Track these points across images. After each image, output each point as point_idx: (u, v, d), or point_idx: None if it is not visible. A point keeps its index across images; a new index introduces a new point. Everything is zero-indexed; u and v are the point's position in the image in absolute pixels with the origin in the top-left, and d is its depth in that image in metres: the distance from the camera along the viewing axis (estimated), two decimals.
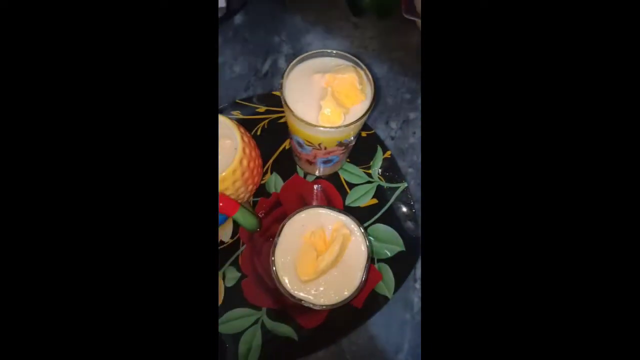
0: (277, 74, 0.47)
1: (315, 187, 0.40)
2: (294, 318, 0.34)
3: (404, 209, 0.38)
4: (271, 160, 0.41)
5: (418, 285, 0.36)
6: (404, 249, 0.37)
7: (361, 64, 0.32)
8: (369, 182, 0.40)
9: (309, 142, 0.32)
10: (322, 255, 0.29)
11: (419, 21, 0.47)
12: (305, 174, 0.40)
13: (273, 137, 0.42)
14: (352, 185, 0.40)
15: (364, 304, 0.34)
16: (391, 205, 0.39)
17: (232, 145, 0.33)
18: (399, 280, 0.35)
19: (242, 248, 0.37)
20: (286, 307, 0.34)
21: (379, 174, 0.40)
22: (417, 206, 0.39)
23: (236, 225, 0.37)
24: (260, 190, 0.39)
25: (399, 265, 0.36)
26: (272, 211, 0.38)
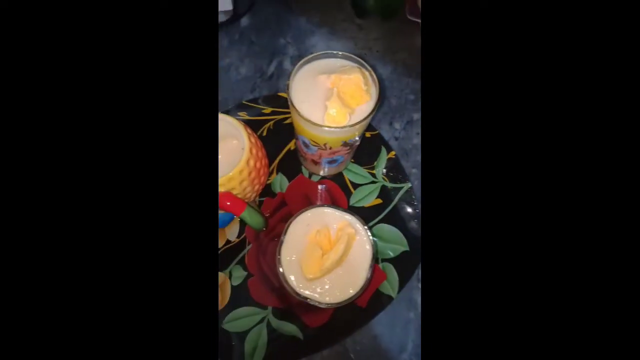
0: (282, 76, 0.48)
1: (320, 187, 0.40)
2: (299, 317, 0.34)
3: (408, 209, 0.39)
4: (277, 161, 0.41)
5: (421, 285, 0.36)
6: (408, 248, 0.37)
7: (366, 65, 0.32)
8: (373, 182, 0.40)
9: (315, 142, 0.33)
10: (327, 254, 0.29)
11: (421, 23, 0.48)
12: (310, 174, 0.41)
13: (278, 137, 0.42)
14: (356, 186, 0.40)
15: (368, 304, 0.34)
16: (395, 206, 0.39)
17: (239, 146, 0.34)
18: (403, 280, 0.36)
19: (248, 247, 0.37)
20: (292, 306, 0.34)
21: (383, 174, 0.41)
22: (421, 206, 0.39)
23: (242, 224, 0.38)
24: (266, 190, 0.39)
25: (403, 265, 0.36)
26: (277, 211, 0.39)
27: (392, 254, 0.37)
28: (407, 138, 0.44)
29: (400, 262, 0.36)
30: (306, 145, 0.34)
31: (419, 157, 0.43)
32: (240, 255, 0.37)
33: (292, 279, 0.30)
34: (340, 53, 0.33)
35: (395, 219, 0.38)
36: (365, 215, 0.38)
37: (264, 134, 0.42)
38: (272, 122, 0.43)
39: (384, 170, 0.41)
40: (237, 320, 0.34)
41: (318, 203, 0.39)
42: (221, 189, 0.32)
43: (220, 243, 0.37)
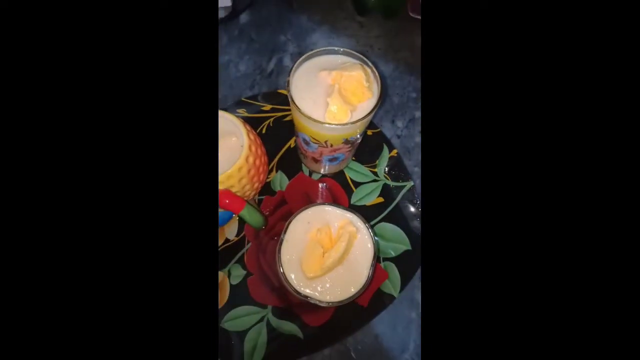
0: (282, 73, 0.47)
1: (320, 185, 0.40)
2: (300, 316, 0.34)
3: (411, 208, 0.38)
4: (276, 159, 0.41)
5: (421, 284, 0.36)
6: (410, 247, 0.36)
7: (368, 61, 0.32)
8: (374, 180, 0.40)
9: (315, 139, 0.32)
10: (328, 253, 0.29)
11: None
12: (311, 172, 0.40)
13: (278, 135, 0.42)
14: (357, 184, 0.40)
15: (369, 303, 0.34)
16: (397, 204, 0.38)
17: (238, 143, 0.33)
18: (405, 279, 0.35)
19: (247, 246, 0.37)
20: (292, 305, 0.34)
21: (385, 172, 0.40)
22: (422, 205, 0.39)
23: (242, 222, 0.37)
24: (266, 189, 0.39)
25: (405, 264, 0.36)
26: (277, 209, 0.38)
27: (393, 253, 0.36)
28: (409, 136, 0.43)
29: (402, 261, 0.36)
30: (307, 143, 0.34)
31: (421, 156, 0.42)
32: (240, 253, 0.36)
33: (292, 277, 0.29)
34: (341, 49, 0.33)
35: (397, 217, 0.38)
36: (367, 214, 0.37)
37: (264, 131, 0.42)
38: (271, 120, 0.43)
39: (386, 168, 0.40)
40: (236, 319, 0.34)
41: (319, 201, 0.39)
42: (220, 187, 0.32)
43: (219, 241, 0.37)
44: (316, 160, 0.37)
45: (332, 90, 0.30)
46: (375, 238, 0.31)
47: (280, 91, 0.45)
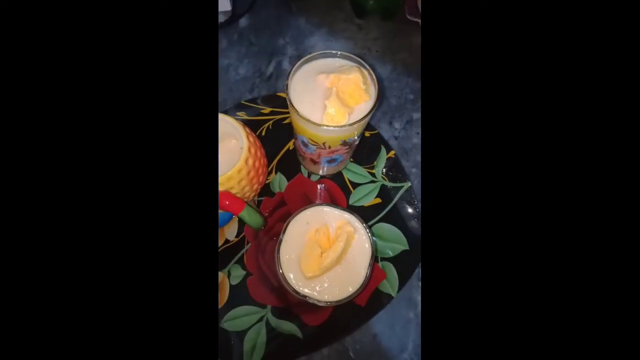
0: (281, 76, 0.48)
1: (319, 186, 0.40)
2: (299, 316, 0.34)
3: (408, 209, 0.39)
4: (275, 160, 0.41)
5: (421, 284, 0.36)
6: (407, 248, 0.37)
7: (365, 64, 0.32)
8: (372, 181, 0.40)
9: (314, 141, 0.33)
10: (326, 252, 0.29)
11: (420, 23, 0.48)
12: (309, 174, 0.41)
13: (277, 137, 0.42)
14: (355, 185, 0.40)
15: (367, 303, 0.34)
16: (395, 205, 0.39)
17: (237, 145, 0.34)
18: (403, 279, 0.36)
19: (247, 246, 0.37)
20: (291, 305, 0.34)
21: (382, 173, 0.41)
22: (421, 205, 0.39)
23: (241, 223, 0.38)
24: (265, 190, 0.40)
25: (403, 264, 0.36)
26: (276, 210, 0.39)
27: (391, 253, 0.37)
28: (406, 137, 0.44)
29: (400, 261, 0.36)
30: (305, 145, 0.35)
31: (418, 157, 0.43)
32: (239, 254, 0.37)
33: (291, 277, 0.30)
34: (339, 53, 0.33)
35: (395, 218, 0.38)
36: (365, 214, 0.38)
37: (263, 133, 0.43)
38: (271, 122, 0.43)
39: (384, 169, 0.41)
40: (236, 319, 0.34)
41: (317, 202, 0.39)
42: (220, 188, 0.32)
43: (219, 242, 0.37)
44: (315, 162, 0.38)
45: (330, 93, 0.30)
46: (373, 238, 0.32)
47: (279, 94, 0.45)
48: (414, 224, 0.38)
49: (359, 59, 0.32)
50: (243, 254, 0.37)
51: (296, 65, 0.32)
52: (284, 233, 0.31)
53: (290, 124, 0.36)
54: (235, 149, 0.33)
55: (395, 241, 0.37)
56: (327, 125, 0.30)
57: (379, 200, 0.39)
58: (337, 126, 0.30)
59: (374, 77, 0.32)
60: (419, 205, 0.39)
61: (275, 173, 0.41)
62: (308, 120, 0.30)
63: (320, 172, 0.40)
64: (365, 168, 0.41)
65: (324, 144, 0.33)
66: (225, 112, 0.42)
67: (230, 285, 0.35)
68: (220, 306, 0.35)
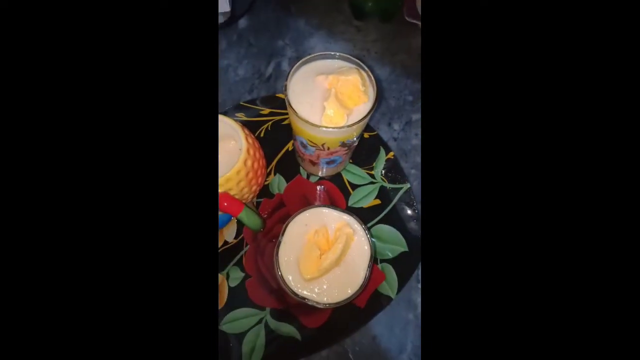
0: (280, 77, 0.48)
1: (318, 187, 0.40)
2: (298, 318, 0.34)
3: (407, 210, 0.39)
4: (274, 162, 0.41)
5: (421, 286, 0.36)
6: (407, 249, 0.37)
7: (364, 65, 0.32)
8: (371, 182, 0.40)
9: (313, 142, 0.33)
10: (325, 254, 0.29)
11: (420, 24, 0.48)
12: (309, 175, 0.41)
13: (276, 138, 0.42)
14: (355, 186, 0.40)
15: (367, 304, 0.34)
16: (394, 206, 0.39)
17: (236, 146, 0.34)
18: (402, 281, 0.35)
19: (245, 248, 0.37)
20: (290, 307, 0.34)
21: (381, 174, 0.41)
22: (420, 207, 0.39)
23: (240, 225, 0.38)
24: (264, 191, 0.39)
25: (402, 265, 0.36)
26: (275, 212, 0.39)
27: (390, 255, 0.37)
28: (405, 139, 0.44)
29: (399, 263, 0.36)
30: (304, 146, 0.34)
31: (418, 158, 0.43)
32: (238, 256, 0.37)
33: (290, 279, 0.30)
34: (337, 54, 0.33)
35: (394, 219, 0.38)
36: (364, 215, 0.37)
37: (262, 134, 0.42)
38: (270, 123, 0.43)
39: (383, 170, 0.41)
40: (234, 322, 0.34)
41: (316, 204, 0.39)
42: (219, 190, 0.32)
43: (218, 244, 0.37)
44: (314, 163, 0.38)
45: (328, 94, 0.30)
46: (372, 240, 0.31)
47: (278, 95, 0.45)
48: (413, 226, 0.38)
49: (357, 60, 0.32)
50: (242, 256, 0.37)
51: (295, 67, 0.32)
52: (282, 235, 0.31)
53: (289, 125, 0.36)
54: (234, 150, 0.33)
55: (395, 243, 0.37)
56: (326, 127, 0.30)
57: (378, 201, 0.39)
58: (336, 127, 0.30)
59: (373, 78, 0.32)
60: (418, 206, 0.39)
61: (274, 174, 0.41)
62: (307, 122, 0.30)
63: (320, 174, 0.40)
64: (365, 169, 0.41)
65: (323, 145, 0.33)
66: (224, 113, 0.42)
67: (229, 287, 0.35)
68: (219, 308, 0.34)
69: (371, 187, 0.40)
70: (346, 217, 0.32)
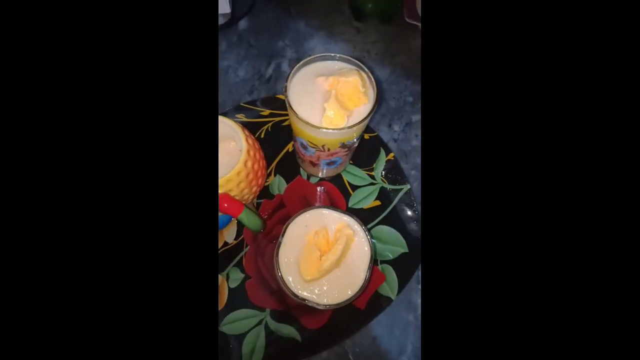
0: (280, 78, 0.48)
1: (318, 189, 0.40)
2: (298, 319, 0.34)
3: (407, 211, 0.39)
4: (274, 163, 0.41)
5: (421, 287, 0.36)
6: (407, 250, 0.37)
7: (364, 67, 0.32)
8: (372, 184, 0.40)
9: (313, 143, 0.33)
10: (325, 255, 0.29)
11: (421, 25, 0.48)
12: (309, 176, 0.41)
13: (276, 139, 0.42)
14: (355, 187, 0.40)
15: (367, 305, 0.34)
16: (394, 207, 0.39)
17: (236, 147, 0.34)
18: (403, 282, 0.35)
19: (246, 249, 0.37)
20: (290, 308, 0.34)
21: (382, 175, 0.41)
22: (420, 208, 0.39)
23: (240, 226, 0.38)
24: (264, 192, 0.39)
25: (403, 266, 0.36)
26: (275, 213, 0.39)
27: (391, 256, 0.37)
28: (406, 140, 0.44)
29: (400, 264, 0.36)
30: (304, 147, 0.35)
31: (418, 159, 0.43)
32: (238, 257, 0.37)
33: (290, 280, 0.30)
34: (337, 55, 0.33)
35: (394, 220, 0.38)
36: (364, 217, 0.37)
37: (262, 135, 0.43)
38: (270, 124, 0.43)
39: (383, 172, 0.41)
40: (234, 323, 0.34)
41: (316, 205, 0.39)
42: (219, 191, 0.32)
43: (218, 245, 0.37)
44: (314, 164, 0.38)
45: (329, 96, 0.31)
46: (372, 241, 0.32)
47: (278, 96, 0.45)
48: (414, 227, 0.38)
49: (357, 61, 0.33)
50: (242, 257, 0.37)
51: (295, 68, 0.32)
52: (283, 236, 0.31)
53: (289, 126, 0.36)
54: (234, 151, 0.33)
55: (395, 244, 0.37)
56: (326, 128, 0.30)
57: (378, 202, 0.39)
58: (336, 129, 0.30)
59: (373, 79, 0.32)
60: (419, 207, 0.39)
61: (275, 175, 0.41)
62: (307, 123, 0.30)
63: (320, 175, 0.40)
64: (365, 170, 0.41)
65: (323, 146, 0.33)
66: (225, 114, 0.43)
67: (229, 288, 0.35)
68: (219, 309, 0.34)
69: (371, 188, 0.40)
70: (346, 218, 0.32)
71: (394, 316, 0.35)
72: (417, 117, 0.45)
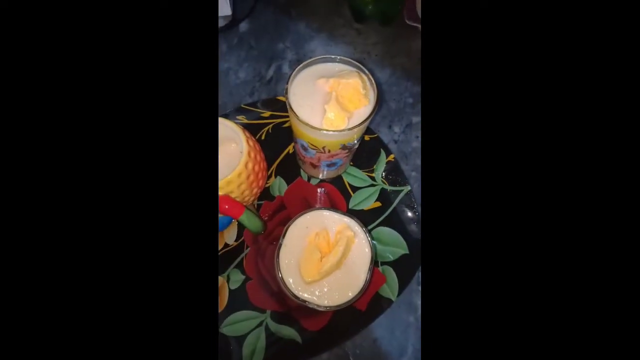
0: (281, 80, 0.48)
1: (319, 190, 0.40)
2: (298, 320, 0.34)
3: (408, 212, 0.39)
4: (275, 164, 0.41)
5: (422, 288, 0.36)
6: (407, 251, 0.37)
7: (364, 69, 0.32)
8: (372, 185, 0.40)
9: (313, 145, 0.33)
10: (326, 257, 0.29)
11: (421, 27, 0.48)
12: (309, 178, 0.41)
13: (277, 141, 0.42)
14: (355, 189, 0.40)
15: (367, 307, 0.34)
16: (395, 208, 0.39)
17: (237, 149, 0.34)
18: (403, 283, 0.35)
19: (246, 251, 0.37)
20: (290, 309, 0.34)
21: (382, 177, 0.41)
22: (421, 209, 0.39)
23: (241, 227, 0.38)
24: (265, 194, 0.40)
25: (403, 268, 0.36)
26: (276, 214, 0.39)
27: (391, 257, 0.37)
28: (406, 141, 0.44)
29: (400, 265, 0.36)
30: (305, 149, 0.35)
31: (418, 160, 0.43)
32: (239, 258, 0.37)
33: (290, 282, 0.30)
34: (338, 57, 0.33)
35: (395, 222, 0.38)
36: (365, 218, 0.38)
37: (263, 137, 0.43)
38: (270, 126, 0.43)
39: (383, 173, 0.41)
40: (235, 324, 0.34)
41: (317, 206, 0.39)
42: (219, 192, 0.32)
43: (219, 246, 0.37)
44: (314, 166, 0.38)
45: (329, 98, 0.31)
46: (373, 242, 0.32)
47: (279, 98, 0.45)
48: (414, 228, 0.38)
49: (358, 64, 0.33)
50: (242, 258, 0.37)
51: (296, 70, 0.32)
52: (283, 237, 0.31)
53: (290, 128, 0.36)
54: (235, 153, 0.33)
55: (395, 245, 0.37)
56: (327, 130, 0.30)
57: (378, 204, 0.39)
58: (337, 130, 0.30)
59: (374, 81, 0.32)
60: (419, 209, 0.39)
61: (275, 177, 0.41)
62: (307, 125, 0.30)
63: (320, 176, 0.40)
64: (365, 172, 0.41)
65: (323, 148, 0.33)
66: (225, 116, 0.43)
67: (230, 290, 0.35)
68: (219, 311, 0.34)
69: (372, 189, 0.40)
70: (347, 220, 0.32)
71: (395, 318, 0.35)
72: (417, 119, 0.45)
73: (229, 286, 0.35)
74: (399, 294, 0.35)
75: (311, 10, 0.54)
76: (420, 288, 0.36)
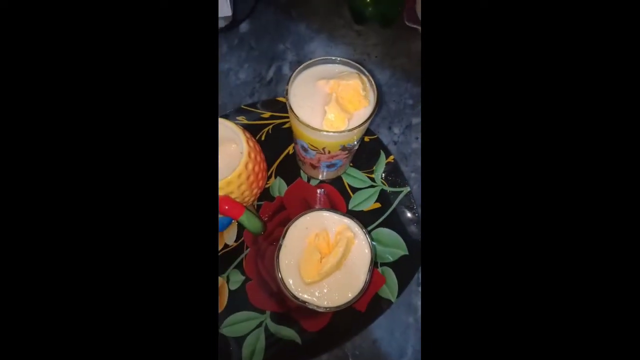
0: (281, 81, 0.48)
1: (318, 191, 0.40)
2: (298, 321, 0.34)
3: (407, 213, 0.39)
4: (275, 165, 0.41)
5: (421, 289, 0.36)
6: (407, 252, 0.37)
7: (364, 70, 0.32)
8: (372, 186, 0.40)
9: (313, 146, 0.33)
10: (325, 258, 0.29)
11: (420, 29, 0.48)
12: (309, 179, 0.41)
13: (277, 142, 0.42)
14: (355, 189, 0.40)
15: (367, 308, 0.34)
16: (394, 210, 0.39)
17: (237, 150, 0.34)
18: (403, 284, 0.35)
19: (246, 251, 0.37)
20: (290, 310, 0.34)
21: (382, 178, 0.41)
22: (420, 210, 0.39)
23: (240, 228, 0.38)
24: (265, 194, 0.40)
25: (403, 269, 0.36)
26: (276, 215, 0.39)
27: (391, 258, 0.37)
28: (406, 142, 0.44)
29: (400, 266, 0.36)
30: (305, 150, 0.35)
31: (418, 162, 0.43)
32: (238, 259, 0.37)
33: (290, 282, 0.30)
34: (338, 59, 0.33)
35: (394, 223, 0.38)
36: (364, 219, 0.37)
37: (263, 138, 0.43)
38: (270, 127, 0.43)
39: (383, 174, 0.41)
40: (234, 325, 0.34)
41: (317, 207, 0.39)
42: (219, 193, 0.32)
43: (218, 247, 0.37)
44: (314, 167, 0.38)
45: (329, 99, 0.31)
46: (373, 243, 0.32)
47: (279, 99, 0.45)
48: (414, 229, 0.38)
49: (358, 65, 0.33)
50: (242, 259, 0.37)
51: (296, 71, 0.32)
52: (283, 238, 0.31)
53: (290, 129, 0.36)
54: (235, 154, 0.33)
55: (395, 246, 0.37)
56: (327, 131, 0.30)
57: (378, 205, 0.39)
58: (337, 131, 0.30)
59: (373, 83, 0.32)
60: (419, 210, 0.39)
61: (275, 177, 0.41)
62: (308, 126, 0.30)
63: (320, 177, 0.41)
64: (365, 173, 0.41)
65: (323, 149, 0.33)
66: (226, 117, 0.43)
67: (229, 291, 0.35)
68: (219, 311, 0.34)
69: (371, 190, 0.40)
70: (347, 221, 0.32)
71: (394, 319, 0.35)
72: (417, 120, 0.45)
73: (228, 287, 0.35)
74: (398, 295, 0.35)
75: (311, 11, 0.54)
76: (419, 289, 0.36)
